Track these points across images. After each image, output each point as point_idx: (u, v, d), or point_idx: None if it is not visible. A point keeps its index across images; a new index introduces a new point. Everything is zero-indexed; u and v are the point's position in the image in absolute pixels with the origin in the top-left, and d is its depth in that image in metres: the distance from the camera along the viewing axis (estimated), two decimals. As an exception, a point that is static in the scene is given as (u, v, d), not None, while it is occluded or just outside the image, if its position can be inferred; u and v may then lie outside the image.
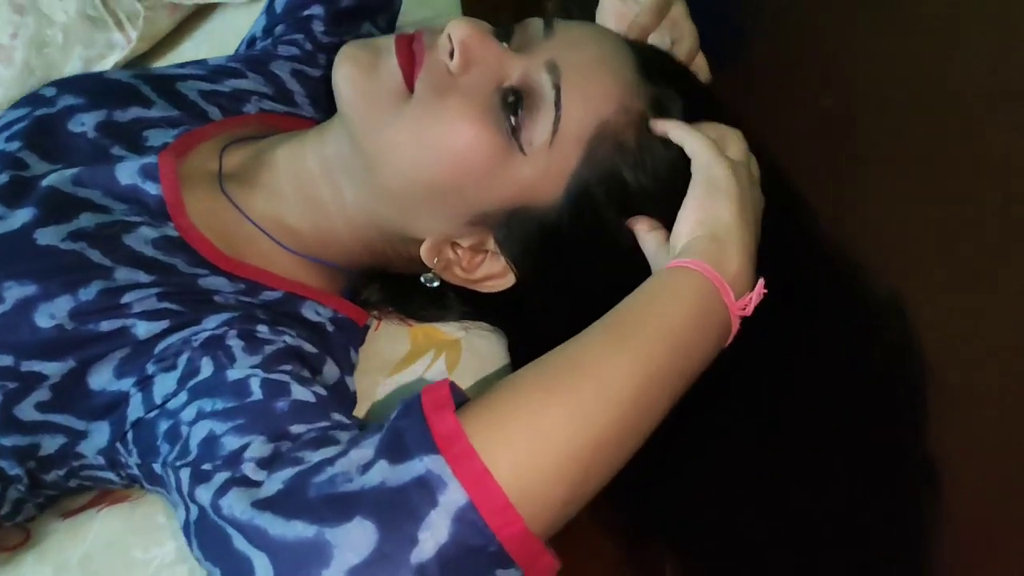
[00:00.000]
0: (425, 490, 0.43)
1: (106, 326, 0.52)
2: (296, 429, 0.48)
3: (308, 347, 0.56)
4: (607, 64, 0.56)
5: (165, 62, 0.91)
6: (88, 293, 0.52)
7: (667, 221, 0.56)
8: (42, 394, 0.53)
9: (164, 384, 0.52)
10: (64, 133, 0.61)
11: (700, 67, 0.66)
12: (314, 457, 0.45)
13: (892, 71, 0.76)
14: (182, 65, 0.70)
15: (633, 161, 0.56)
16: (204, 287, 0.56)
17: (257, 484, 0.45)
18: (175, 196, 0.58)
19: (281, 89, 0.71)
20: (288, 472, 0.45)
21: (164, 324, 0.53)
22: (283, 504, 0.44)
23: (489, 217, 0.57)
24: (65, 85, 0.64)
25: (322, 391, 0.52)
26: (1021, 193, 0.64)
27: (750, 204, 0.55)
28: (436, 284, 0.61)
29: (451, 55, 0.55)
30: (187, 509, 0.48)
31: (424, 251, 0.58)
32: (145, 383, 0.52)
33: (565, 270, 0.59)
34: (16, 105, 0.64)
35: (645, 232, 0.57)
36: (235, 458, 0.46)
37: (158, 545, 0.58)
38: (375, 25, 0.79)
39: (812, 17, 0.83)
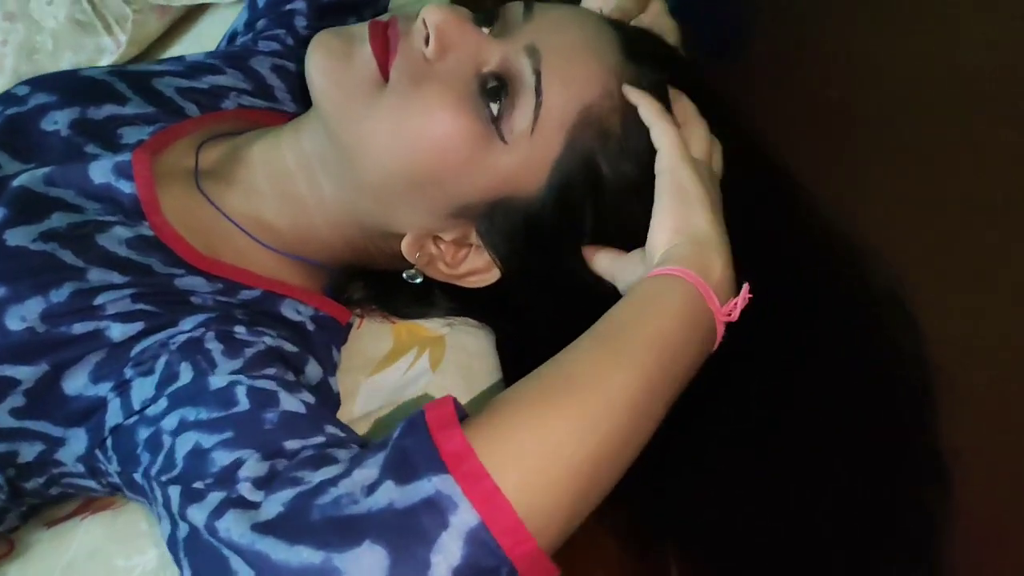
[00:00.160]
0: (435, 511, 0.42)
1: (79, 328, 0.51)
2: (291, 445, 0.46)
3: (289, 347, 0.54)
4: (590, 47, 0.54)
5: (155, 66, 0.91)
6: (60, 295, 0.51)
7: (651, 209, 0.54)
8: (16, 400, 0.51)
9: (142, 389, 0.50)
10: (36, 132, 0.60)
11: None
12: (315, 477, 0.44)
13: (894, 67, 0.75)
14: (159, 62, 0.70)
15: (618, 148, 0.54)
16: (180, 287, 0.54)
17: (255, 505, 0.44)
18: (150, 194, 0.56)
19: (261, 85, 0.70)
20: (288, 493, 0.44)
21: (139, 326, 0.51)
22: (285, 528, 0.43)
23: (470, 209, 0.56)
24: (38, 83, 0.63)
25: (311, 399, 0.50)
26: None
27: (718, 205, 0.54)
28: (419, 280, 0.59)
29: (427, 41, 0.53)
30: (174, 525, 0.47)
31: (405, 246, 0.57)
32: (123, 388, 0.51)
33: (550, 261, 0.57)
34: (-12, 105, 0.63)
35: (591, 256, 0.56)
36: (228, 477, 0.45)
37: (140, 553, 0.57)
38: (361, 19, 0.78)
39: (813, 12, 0.83)
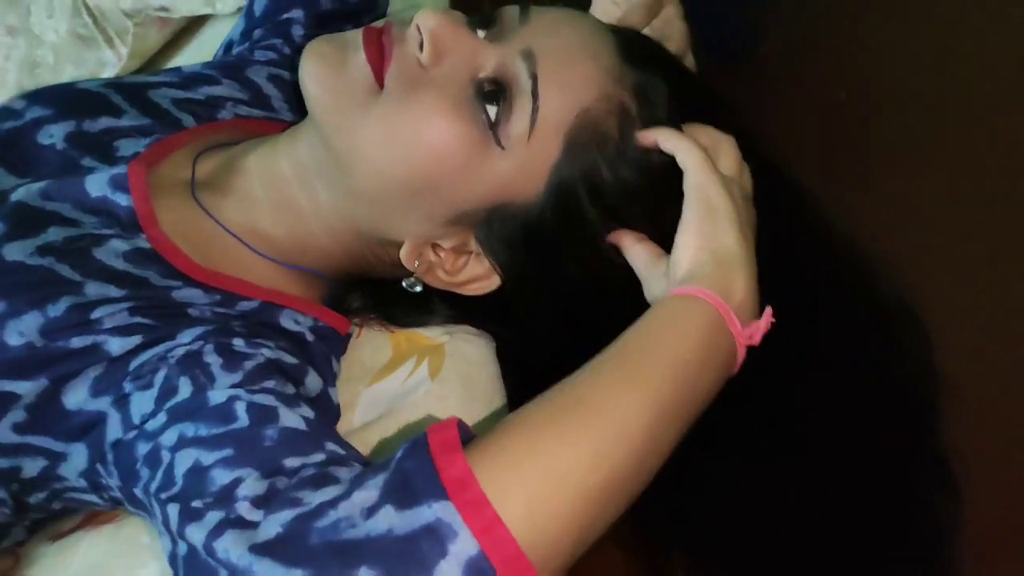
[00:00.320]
0: (435, 539, 0.41)
1: (77, 343, 0.51)
2: (291, 463, 0.46)
3: (288, 358, 0.54)
4: (586, 49, 0.54)
5: (157, 77, 0.91)
6: (57, 309, 0.51)
7: (651, 214, 0.54)
8: (17, 415, 0.51)
9: (141, 403, 0.50)
10: (32, 146, 0.60)
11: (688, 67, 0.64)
12: (314, 498, 0.44)
13: (906, 66, 0.75)
14: (156, 73, 0.70)
15: (616, 152, 0.54)
16: (178, 300, 0.54)
17: (253, 525, 0.43)
18: (146, 207, 0.56)
19: (257, 94, 0.70)
20: (287, 514, 0.43)
21: (137, 339, 0.51)
22: (283, 550, 0.42)
23: (469, 216, 0.55)
24: (35, 97, 0.63)
25: (310, 413, 0.50)
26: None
27: (747, 224, 0.53)
28: (419, 288, 0.59)
29: (421, 47, 0.53)
30: (174, 542, 0.46)
31: (404, 254, 0.57)
32: (122, 402, 0.51)
33: (550, 268, 0.56)
34: (-15, 119, 0.63)
35: (631, 245, 0.55)
36: (227, 496, 0.45)
37: (142, 566, 0.57)
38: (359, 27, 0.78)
39: (823, 14, 0.83)
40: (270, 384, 0.50)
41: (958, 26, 0.76)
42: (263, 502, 0.44)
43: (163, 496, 0.47)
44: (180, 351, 0.51)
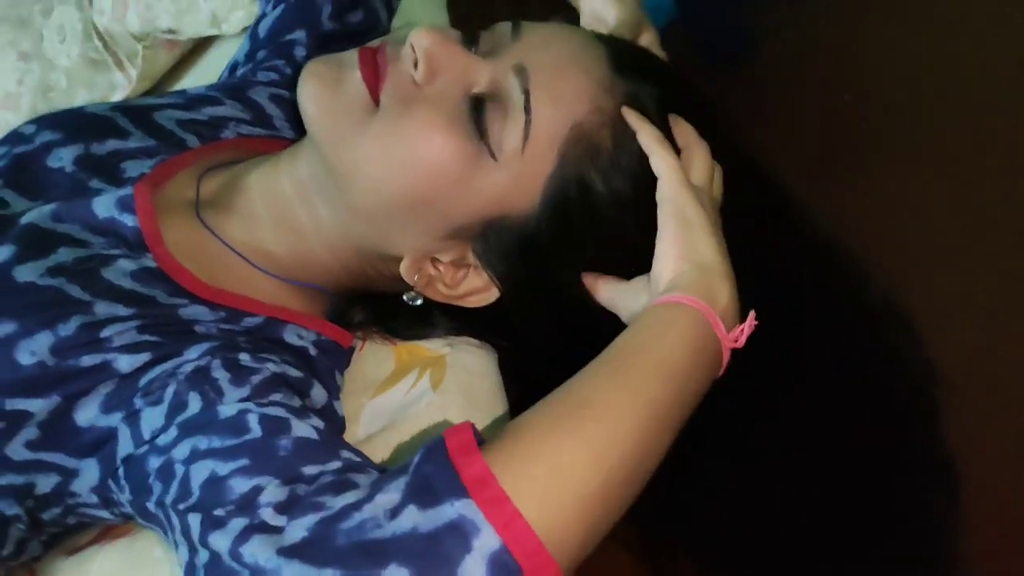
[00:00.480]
0: (458, 535, 0.43)
1: (87, 361, 0.52)
2: (309, 470, 0.47)
3: (293, 372, 0.55)
4: (577, 62, 0.54)
5: (167, 98, 0.92)
6: (68, 328, 0.52)
7: (644, 223, 0.55)
8: (31, 432, 0.52)
9: (151, 419, 0.51)
10: (43, 169, 0.61)
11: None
12: (337, 503, 0.45)
13: (905, 69, 0.75)
14: (161, 96, 0.71)
15: (609, 163, 0.54)
16: (184, 317, 0.55)
17: (278, 530, 0.45)
18: (152, 227, 0.57)
19: (260, 114, 0.71)
20: (311, 518, 0.45)
21: (146, 357, 0.52)
22: (311, 552, 0.43)
23: (466, 229, 0.56)
24: (44, 121, 0.65)
25: (320, 424, 0.51)
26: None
27: (719, 231, 0.54)
28: (419, 302, 0.59)
29: (415, 65, 0.54)
30: (193, 551, 0.47)
31: (404, 269, 0.57)
32: (133, 418, 0.52)
33: (547, 278, 0.57)
34: (-3, 144, 0.65)
35: (595, 284, 0.57)
36: (249, 503, 0.46)
37: (155, 580, 0.58)
38: None
39: (822, 17, 0.83)
40: (277, 397, 0.51)
41: (958, 27, 0.76)
42: (285, 508, 0.45)
43: (181, 507, 0.48)
44: (188, 367, 0.52)
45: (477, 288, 0.58)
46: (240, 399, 0.50)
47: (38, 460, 0.53)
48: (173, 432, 0.50)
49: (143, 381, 0.52)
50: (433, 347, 0.63)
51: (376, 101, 0.54)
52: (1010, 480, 0.54)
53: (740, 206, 0.58)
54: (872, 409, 0.58)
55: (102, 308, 0.53)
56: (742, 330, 0.52)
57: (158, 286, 0.56)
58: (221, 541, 0.45)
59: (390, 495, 0.45)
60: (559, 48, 0.55)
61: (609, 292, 0.56)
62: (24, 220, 0.57)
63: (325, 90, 0.54)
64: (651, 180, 0.55)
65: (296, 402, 0.52)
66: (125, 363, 0.52)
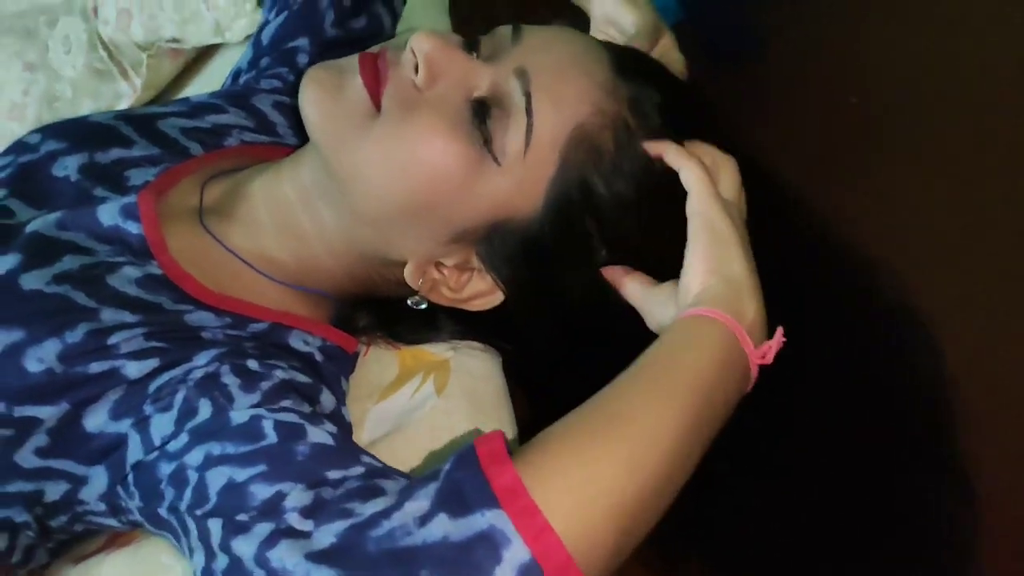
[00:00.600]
0: (489, 546, 0.43)
1: (95, 368, 0.52)
2: (333, 475, 0.47)
3: (301, 377, 0.55)
4: (578, 65, 0.55)
5: (171, 107, 0.93)
6: (75, 335, 0.52)
7: (647, 226, 0.55)
8: (40, 439, 0.53)
9: (161, 425, 0.51)
10: (48, 178, 0.62)
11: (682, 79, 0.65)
12: (366, 509, 0.45)
13: (911, 69, 0.75)
14: (164, 104, 0.71)
15: (611, 166, 0.54)
16: (190, 323, 0.55)
17: (305, 535, 0.45)
18: (156, 234, 0.58)
19: (263, 121, 0.71)
20: (340, 525, 0.45)
21: (154, 363, 0.53)
22: (341, 558, 0.44)
23: (469, 233, 0.56)
24: (49, 130, 0.65)
25: (334, 430, 0.51)
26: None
27: (748, 246, 0.54)
28: (424, 306, 0.59)
29: (416, 69, 0.54)
30: (211, 556, 0.47)
31: (408, 273, 0.57)
32: (142, 424, 0.52)
33: (551, 281, 0.57)
34: (2, 153, 0.65)
35: (622, 279, 0.56)
36: (273, 508, 0.46)
37: (162, 586, 0.58)
38: None
39: (828, 17, 0.83)
40: (288, 403, 0.51)
41: (963, 27, 0.76)
42: (311, 512, 0.46)
43: (199, 512, 0.48)
44: (198, 373, 0.52)
45: (481, 292, 0.58)
46: (251, 405, 0.50)
47: (47, 467, 0.53)
48: (184, 438, 0.50)
49: (152, 387, 0.52)
50: (437, 351, 0.63)
51: (377, 106, 0.54)
52: (1016, 480, 0.54)
53: (748, 207, 0.58)
54: (889, 414, 0.58)
55: (108, 315, 0.53)
56: (770, 346, 0.52)
57: (163, 293, 0.56)
58: (245, 546, 0.46)
59: (419, 502, 0.45)
60: (560, 51, 0.55)
61: (637, 292, 0.56)
62: (29, 228, 0.57)
63: (326, 96, 0.54)
64: (653, 183, 0.55)
65: (306, 408, 0.52)
66: (133, 369, 0.52)
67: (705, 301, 0.52)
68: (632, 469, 0.45)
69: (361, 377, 0.62)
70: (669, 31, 0.66)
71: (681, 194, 0.55)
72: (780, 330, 0.53)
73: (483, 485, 0.44)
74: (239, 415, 0.50)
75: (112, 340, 0.53)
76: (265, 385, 0.52)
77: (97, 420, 0.52)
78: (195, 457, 0.49)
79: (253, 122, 0.71)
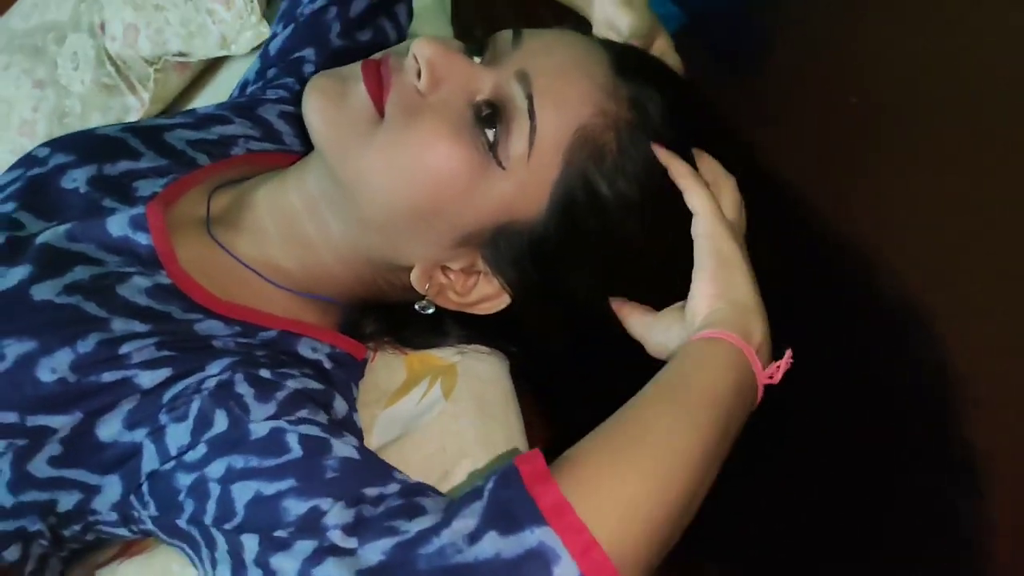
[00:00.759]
0: (540, 562, 0.44)
1: (108, 377, 0.53)
2: (370, 492, 0.48)
3: (313, 384, 0.55)
4: (580, 67, 0.55)
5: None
6: (86, 345, 0.53)
7: (649, 228, 0.55)
8: (53, 448, 0.53)
9: (177, 435, 0.52)
10: (57, 190, 0.62)
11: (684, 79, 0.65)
12: (412, 527, 0.46)
13: (916, 70, 0.75)
14: (171, 116, 0.72)
15: (614, 166, 0.55)
16: (200, 332, 0.56)
17: (350, 552, 0.46)
18: (165, 244, 0.58)
19: (269, 130, 0.72)
20: (387, 542, 0.45)
21: (167, 372, 0.53)
22: (393, 575, 0.44)
23: (475, 237, 0.56)
24: (57, 144, 0.66)
25: (356, 441, 0.52)
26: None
27: (750, 265, 0.55)
28: (431, 311, 0.60)
29: (419, 75, 0.54)
30: (240, 570, 0.48)
31: (415, 278, 0.58)
32: (158, 433, 0.52)
33: (556, 283, 0.57)
34: (11, 167, 0.66)
35: (626, 315, 0.57)
36: (313, 525, 0.46)
37: (174, 594, 0.58)
38: None
39: (832, 18, 0.83)
40: (304, 413, 0.52)
41: (960, 26, 0.75)
42: (353, 530, 0.46)
43: (227, 527, 0.48)
44: (212, 382, 0.52)
45: (488, 295, 0.58)
46: (268, 416, 0.51)
47: (61, 477, 0.54)
48: (202, 449, 0.50)
49: (167, 396, 0.52)
50: (444, 356, 0.63)
51: (381, 112, 0.54)
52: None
53: (749, 209, 0.58)
54: (896, 413, 0.58)
55: (119, 325, 0.54)
56: (778, 367, 0.53)
57: (173, 302, 0.56)
58: (287, 563, 0.46)
59: (466, 520, 0.45)
60: (561, 53, 0.55)
61: (639, 326, 0.57)
62: (39, 240, 0.58)
63: (329, 103, 0.54)
64: (656, 184, 0.55)
65: (323, 417, 0.53)
66: (146, 379, 0.53)
67: (714, 323, 0.53)
68: (665, 486, 0.47)
69: (369, 382, 0.62)
70: (665, 33, 0.66)
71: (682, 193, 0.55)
72: (789, 352, 0.54)
73: (530, 503, 0.45)
74: (258, 427, 0.50)
75: (124, 349, 0.53)
76: (280, 395, 0.52)
77: (111, 429, 0.53)
78: (216, 469, 0.49)
79: (259, 132, 0.71)
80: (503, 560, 0.44)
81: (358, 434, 0.58)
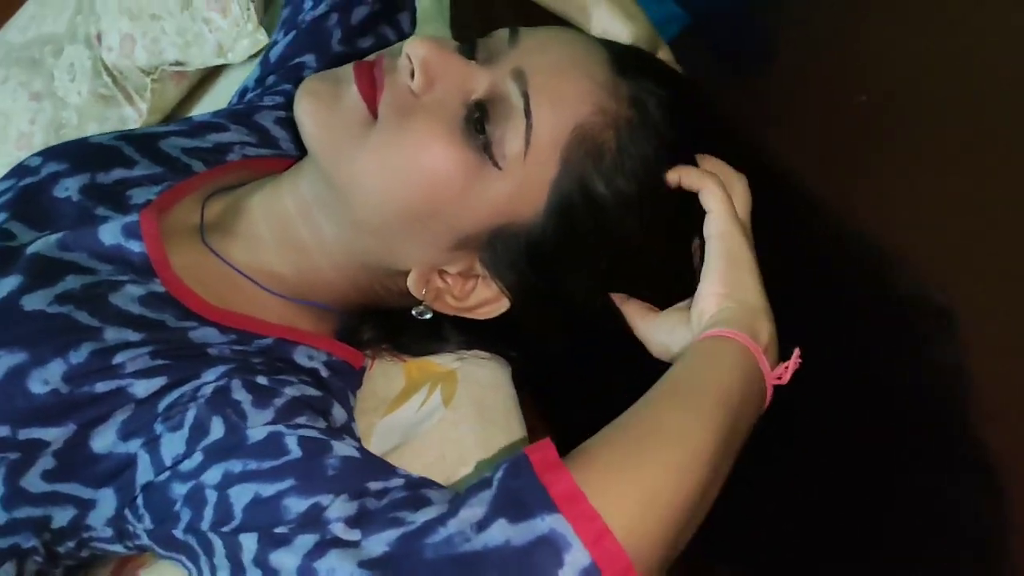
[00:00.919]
0: (551, 550, 0.43)
1: (101, 387, 0.52)
2: (374, 485, 0.47)
3: (311, 391, 0.54)
4: (577, 65, 0.54)
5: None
6: (79, 356, 0.52)
7: (647, 226, 0.54)
8: (46, 462, 0.52)
9: (172, 444, 0.51)
10: (49, 200, 0.62)
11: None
12: (417, 517, 0.45)
13: (924, 68, 0.74)
14: (166, 124, 0.72)
15: (613, 165, 0.54)
16: (195, 340, 0.55)
17: (354, 544, 0.45)
18: (159, 252, 0.57)
19: (265, 136, 0.71)
20: (391, 533, 0.45)
21: (162, 381, 0.52)
22: (398, 566, 0.44)
23: (472, 239, 0.55)
24: (50, 153, 0.65)
25: (357, 443, 0.51)
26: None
27: (757, 266, 0.55)
28: (429, 316, 0.59)
29: (412, 75, 0.53)
30: (238, 572, 0.47)
31: (411, 283, 0.57)
32: (152, 444, 0.51)
33: (556, 285, 0.56)
34: (3, 177, 0.65)
35: (630, 314, 0.57)
36: (314, 519, 0.46)
37: (172, 607, 0.57)
38: None
39: (840, 18, 0.82)
40: (303, 419, 0.51)
41: (963, 25, 0.75)
42: (357, 522, 0.45)
43: (225, 529, 0.47)
44: (208, 389, 0.51)
45: (487, 299, 0.57)
46: (266, 422, 0.50)
47: (54, 492, 0.53)
48: (198, 457, 0.49)
49: (162, 405, 0.52)
50: (443, 362, 0.62)
51: (374, 114, 0.53)
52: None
53: (754, 208, 0.57)
54: (909, 412, 0.58)
55: (112, 334, 0.53)
56: (787, 367, 0.53)
57: (167, 310, 0.56)
58: (288, 558, 0.45)
59: (474, 509, 0.45)
60: (558, 51, 0.54)
61: (642, 325, 0.57)
62: (30, 250, 0.57)
63: (322, 106, 0.53)
64: (655, 182, 0.55)
65: (322, 423, 0.52)
66: (141, 388, 0.52)
67: (722, 322, 0.52)
68: (679, 480, 0.46)
69: (367, 390, 0.61)
70: (666, 46, 0.65)
71: (682, 193, 0.55)
72: (797, 352, 0.53)
73: (541, 491, 0.44)
74: (256, 432, 0.49)
75: (117, 359, 0.52)
76: (278, 402, 0.51)
77: (105, 441, 0.52)
78: (212, 476, 0.49)
79: (255, 138, 0.70)
80: (513, 548, 0.43)
81: (357, 442, 0.56)
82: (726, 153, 0.58)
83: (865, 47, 0.79)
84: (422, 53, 0.53)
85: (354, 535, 0.45)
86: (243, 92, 0.78)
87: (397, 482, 0.48)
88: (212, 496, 0.48)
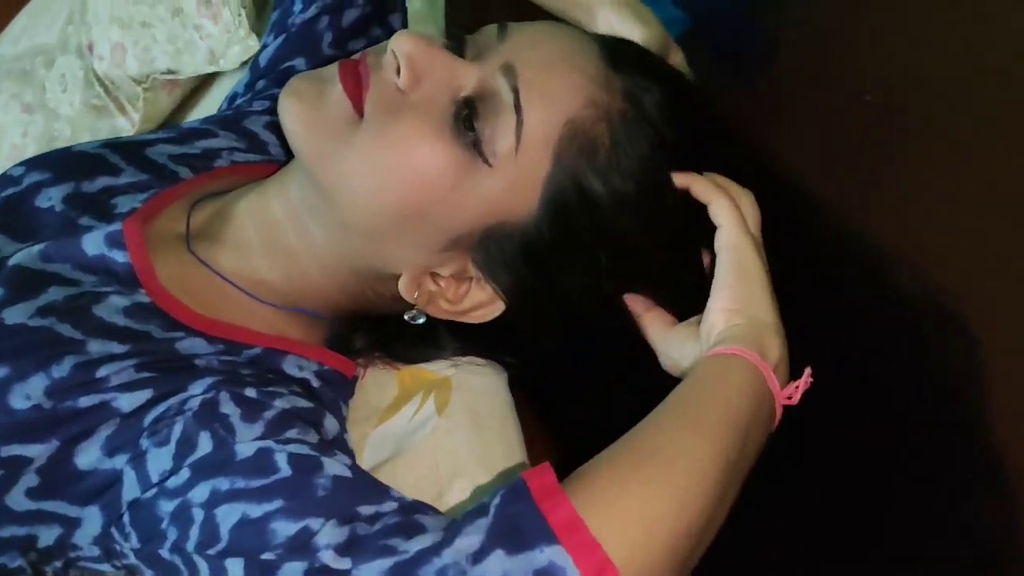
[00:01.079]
0: None
1: (85, 402, 0.50)
2: (365, 510, 0.46)
3: (302, 403, 0.53)
4: (568, 59, 0.52)
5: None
6: (61, 369, 0.51)
7: (644, 225, 0.53)
8: (30, 479, 0.51)
9: (158, 460, 0.49)
10: (31, 210, 0.61)
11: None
12: (411, 546, 0.44)
13: (928, 67, 0.74)
14: (153, 132, 0.71)
15: (607, 161, 0.52)
16: (182, 351, 0.54)
17: (343, 573, 0.43)
18: (143, 261, 0.56)
19: (254, 141, 0.70)
20: (383, 563, 0.43)
21: (147, 394, 0.51)
22: None
23: (464, 240, 0.54)
24: (33, 163, 0.64)
25: (349, 460, 0.50)
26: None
27: (770, 281, 0.53)
28: (422, 320, 0.57)
29: (398, 72, 0.52)
30: None
31: (403, 286, 0.55)
32: (138, 460, 0.50)
33: (552, 285, 0.55)
34: (-15, 189, 0.64)
35: (644, 316, 0.56)
36: (302, 545, 0.44)
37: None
38: None
39: (843, 17, 0.82)
40: (293, 433, 0.50)
41: (972, 23, 0.74)
42: (347, 549, 0.44)
43: (211, 552, 0.46)
44: (195, 402, 0.50)
45: (481, 302, 0.56)
46: (255, 437, 0.49)
47: (39, 510, 0.51)
48: (185, 474, 0.48)
49: (148, 420, 0.50)
50: (437, 369, 0.61)
51: (360, 112, 0.52)
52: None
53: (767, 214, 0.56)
54: (919, 413, 0.57)
55: (95, 346, 0.52)
56: (797, 387, 0.51)
57: (153, 321, 0.54)
58: None
59: (470, 539, 0.44)
60: (548, 45, 0.53)
61: (657, 336, 0.56)
62: (12, 262, 0.56)
63: (306, 106, 0.52)
64: (655, 181, 0.53)
65: (313, 436, 0.51)
66: (125, 402, 0.50)
67: (730, 339, 0.51)
68: (683, 505, 0.45)
69: (359, 400, 0.60)
70: (678, 48, 0.64)
71: (688, 198, 0.54)
72: (808, 371, 0.52)
73: (540, 520, 0.43)
74: (245, 448, 0.48)
75: (101, 372, 0.51)
76: (268, 415, 0.50)
77: (90, 457, 0.50)
78: (199, 493, 0.47)
79: (244, 143, 0.69)
80: None
81: (350, 455, 0.55)
82: (727, 154, 0.57)
83: (866, 48, 0.79)
84: (408, 48, 0.51)
85: (344, 564, 0.43)
86: (232, 98, 0.77)
87: (390, 506, 0.47)
88: (199, 515, 0.47)
